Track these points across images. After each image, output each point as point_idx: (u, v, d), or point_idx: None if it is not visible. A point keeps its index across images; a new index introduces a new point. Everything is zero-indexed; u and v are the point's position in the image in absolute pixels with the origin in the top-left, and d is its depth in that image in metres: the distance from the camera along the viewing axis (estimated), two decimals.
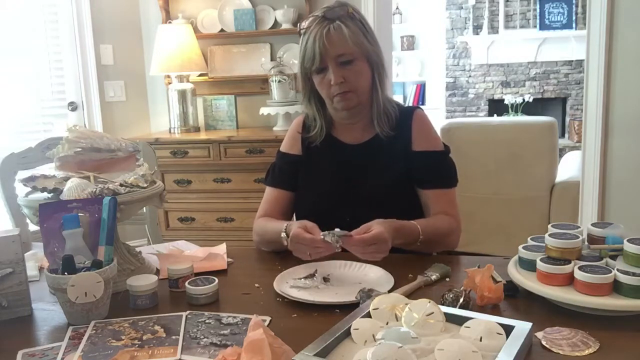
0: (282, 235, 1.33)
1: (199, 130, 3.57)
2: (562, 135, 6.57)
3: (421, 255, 1.37)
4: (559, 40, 6.43)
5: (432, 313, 0.90)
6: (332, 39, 1.36)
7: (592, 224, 1.15)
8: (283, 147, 1.59)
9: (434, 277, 1.18)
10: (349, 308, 1.03)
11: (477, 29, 6.69)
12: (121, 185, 1.23)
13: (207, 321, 1.05)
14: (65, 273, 1.06)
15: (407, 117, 1.49)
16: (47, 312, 1.14)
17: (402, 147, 1.46)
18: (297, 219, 1.57)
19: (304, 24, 1.41)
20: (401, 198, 1.45)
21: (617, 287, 0.98)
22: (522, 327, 0.88)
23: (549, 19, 6.43)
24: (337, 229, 1.20)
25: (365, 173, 1.47)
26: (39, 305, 1.16)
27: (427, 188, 1.45)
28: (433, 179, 1.45)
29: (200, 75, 3.60)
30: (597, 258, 1.08)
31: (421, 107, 1.57)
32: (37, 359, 0.94)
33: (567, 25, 6.38)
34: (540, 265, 1.05)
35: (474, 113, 6.92)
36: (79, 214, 1.15)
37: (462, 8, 6.76)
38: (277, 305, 1.12)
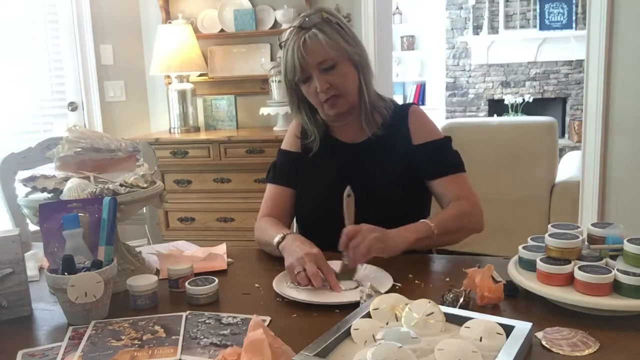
0: (274, 242, 1.32)
1: (199, 130, 3.57)
2: (562, 135, 6.57)
3: (421, 255, 1.37)
4: (559, 40, 6.44)
5: (432, 313, 0.90)
6: (309, 48, 1.36)
7: (592, 224, 1.15)
8: (284, 145, 1.59)
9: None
10: (349, 308, 1.03)
11: (477, 29, 6.69)
12: (121, 185, 1.23)
13: (207, 321, 1.05)
14: (65, 273, 1.06)
15: (402, 115, 1.49)
16: (47, 312, 1.14)
17: (401, 143, 1.46)
18: (297, 218, 1.57)
19: (283, 37, 1.41)
20: (403, 195, 1.45)
21: (617, 287, 0.98)
22: (522, 327, 0.88)
23: (549, 19, 6.43)
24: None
25: (365, 171, 1.47)
26: (39, 305, 1.16)
27: (436, 177, 1.44)
28: (440, 167, 1.44)
29: (200, 75, 3.60)
30: (597, 258, 1.08)
31: (416, 104, 1.57)
32: (37, 359, 0.94)
33: (567, 25, 6.38)
34: (540, 265, 1.05)
35: (474, 113, 6.92)
36: (79, 214, 1.15)
37: (462, 8, 6.76)
38: (277, 305, 1.12)
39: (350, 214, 1.22)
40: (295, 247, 1.24)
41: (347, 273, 1.20)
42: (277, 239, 1.32)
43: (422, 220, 1.33)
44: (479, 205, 1.42)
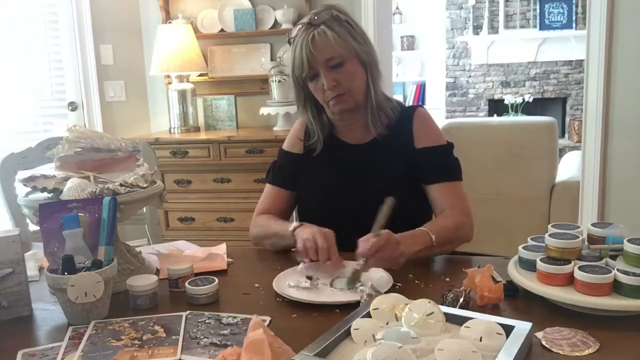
0: (290, 229, 1.35)
1: (199, 130, 3.57)
2: (562, 135, 6.57)
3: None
4: (559, 40, 6.43)
5: (432, 313, 0.90)
6: (317, 45, 1.36)
7: (592, 224, 1.15)
8: (285, 146, 1.59)
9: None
10: (349, 308, 1.03)
11: (477, 29, 6.69)
12: (121, 185, 1.23)
13: (207, 321, 1.05)
14: (65, 273, 1.06)
15: (408, 116, 1.49)
16: (47, 312, 1.14)
17: (404, 145, 1.46)
18: (299, 219, 1.56)
19: (292, 33, 1.42)
20: (404, 197, 1.44)
21: (617, 287, 0.98)
22: (522, 327, 0.88)
23: (549, 19, 6.43)
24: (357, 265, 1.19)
25: (367, 172, 1.47)
26: (39, 305, 1.16)
27: (432, 182, 1.44)
28: (438, 173, 1.44)
29: (200, 75, 3.60)
30: (597, 258, 1.08)
31: (423, 105, 1.57)
32: (37, 359, 0.94)
33: (567, 25, 6.38)
34: (540, 265, 1.05)
35: (474, 113, 6.92)
36: (79, 214, 1.15)
37: (462, 8, 6.75)
38: (277, 305, 1.12)
39: (382, 220, 1.23)
40: (310, 227, 1.30)
41: (354, 279, 1.18)
42: (294, 224, 1.35)
43: (423, 229, 1.33)
44: (471, 216, 1.44)
